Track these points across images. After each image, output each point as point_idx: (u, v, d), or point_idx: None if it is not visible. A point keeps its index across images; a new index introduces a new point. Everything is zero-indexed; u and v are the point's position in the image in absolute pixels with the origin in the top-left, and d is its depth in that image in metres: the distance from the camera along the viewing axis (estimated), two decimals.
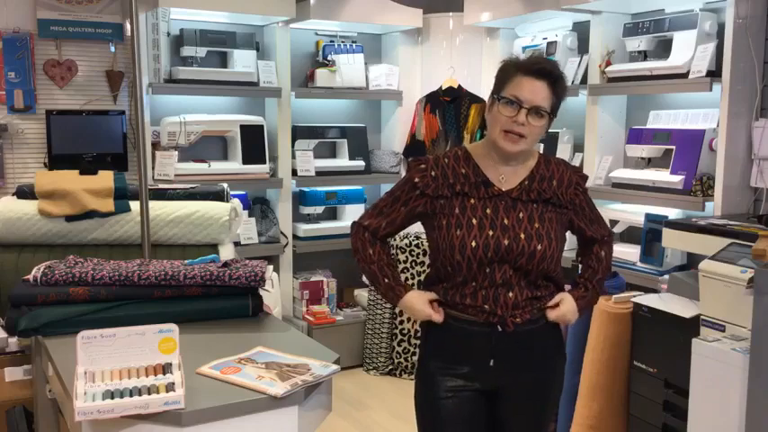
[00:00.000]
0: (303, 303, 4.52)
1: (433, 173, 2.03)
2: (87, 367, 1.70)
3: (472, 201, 1.99)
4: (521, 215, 1.97)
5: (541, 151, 4.12)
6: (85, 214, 2.83)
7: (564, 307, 2.04)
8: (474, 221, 1.96)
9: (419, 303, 2.04)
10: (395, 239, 4.41)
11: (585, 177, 2.15)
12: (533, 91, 1.93)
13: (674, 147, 3.38)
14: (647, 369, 2.90)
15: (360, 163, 4.68)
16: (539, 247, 1.95)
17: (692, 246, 2.93)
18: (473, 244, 1.94)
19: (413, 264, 4.35)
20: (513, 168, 2.02)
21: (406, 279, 4.36)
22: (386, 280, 2.08)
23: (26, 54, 3.88)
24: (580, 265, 2.21)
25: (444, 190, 2.01)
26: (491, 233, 1.94)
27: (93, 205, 2.83)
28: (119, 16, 4.06)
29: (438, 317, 2.02)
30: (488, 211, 1.97)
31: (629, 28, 3.59)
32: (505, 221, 1.96)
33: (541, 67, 1.95)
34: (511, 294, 1.97)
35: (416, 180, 2.04)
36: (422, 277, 4.32)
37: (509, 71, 1.97)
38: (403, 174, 4.73)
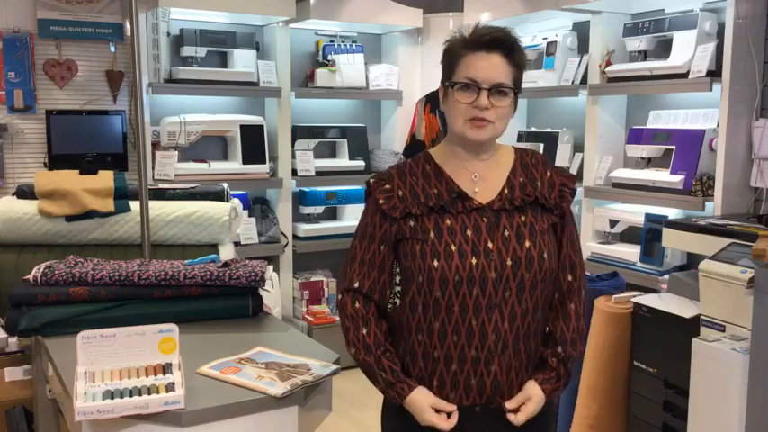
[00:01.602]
0: (303, 303, 4.51)
1: (400, 192, 1.70)
2: (87, 367, 1.70)
3: (448, 222, 1.66)
4: (506, 233, 1.66)
5: (542, 151, 4.14)
6: (85, 214, 2.83)
7: (531, 407, 1.67)
8: (453, 248, 1.63)
9: (425, 405, 1.66)
10: None
11: (572, 178, 1.80)
12: (489, 68, 1.62)
13: (674, 147, 3.38)
14: (647, 369, 2.90)
15: (360, 163, 4.68)
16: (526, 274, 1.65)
17: (692, 246, 2.93)
18: (456, 278, 1.62)
19: None
20: (485, 164, 1.73)
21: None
22: (382, 375, 1.69)
23: (26, 54, 3.88)
24: (548, 327, 1.77)
25: (414, 208, 1.68)
26: (474, 261, 1.62)
27: (93, 205, 2.83)
28: (119, 16, 4.06)
29: (447, 426, 1.65)
30: (468, 233, 1.65)
31: (629, 28, 3.58)
32: (489, 245, 1.64)
33: (492, 37, 1.64)
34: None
35: (381, 203, 1.70)
36: None
37: (456, 51, 1.68)
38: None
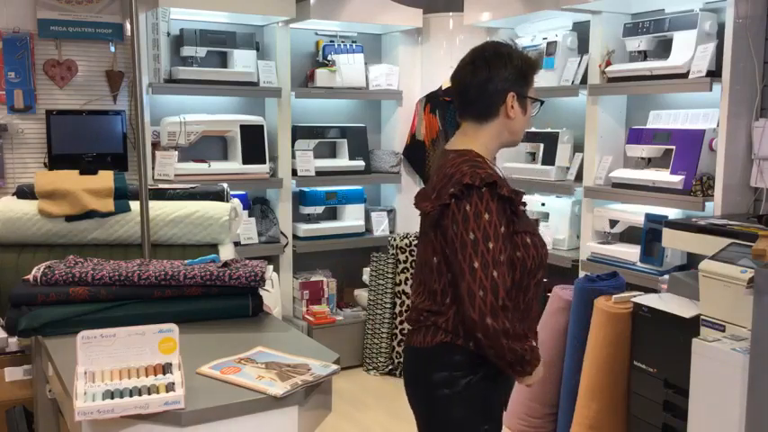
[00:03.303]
0: (303, 303, 4.51)
1: (504, 191, 1.81)
2: (87, 367, 1.71)
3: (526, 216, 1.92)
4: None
5: (542, 151, 4.14)
6: (85, 214, 2.82)
7: None
8: (541, 238, 1.93)
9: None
10: (395, 239, 4.41)
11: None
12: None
13: (674, 147, 3.38)
14: (647, 369, 2.90)
15: (360, 163, 4.68)
16: None
17: (692, 246, 2.93)
18: (544, 262, 1.92)
19: (413, 264, 4.35)
20: None
21: (406, 279, 4.36)
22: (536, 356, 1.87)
23: (26, 54, 3.88)
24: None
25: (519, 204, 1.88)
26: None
27: (93, 205, 2.83)
28: (119, 16, 4.06)
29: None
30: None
31: (629, 28, 3.58)
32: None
33: None
34: None
35: (513, 198, 1.82)
36: None
37: (532, 70, 1.93)
38: (403, 174, 4.75)
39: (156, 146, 4.09)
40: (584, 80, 3.82)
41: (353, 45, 4.65)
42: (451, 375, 1.87)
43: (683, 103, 3.54)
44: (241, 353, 1.98)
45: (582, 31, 3.97)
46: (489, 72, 1.86)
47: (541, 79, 4.08)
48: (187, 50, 4.14)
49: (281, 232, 4.46)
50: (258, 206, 4.50)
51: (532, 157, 4.32)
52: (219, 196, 3.03)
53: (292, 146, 4.46)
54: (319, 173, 4.53)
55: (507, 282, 1.78)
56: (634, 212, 3.57)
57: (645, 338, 2.92)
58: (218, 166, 4.21)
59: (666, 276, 3.13)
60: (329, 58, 4.56)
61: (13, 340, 2.39)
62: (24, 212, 2.80)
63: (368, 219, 4.77)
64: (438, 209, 1.81)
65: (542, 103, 1.97)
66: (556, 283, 3.49)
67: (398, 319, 4.40)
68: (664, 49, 3.51)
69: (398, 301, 4.40)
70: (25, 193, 2.89)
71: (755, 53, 3.14)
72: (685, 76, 3.28)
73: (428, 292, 1.90)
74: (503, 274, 1.76)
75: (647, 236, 3.43)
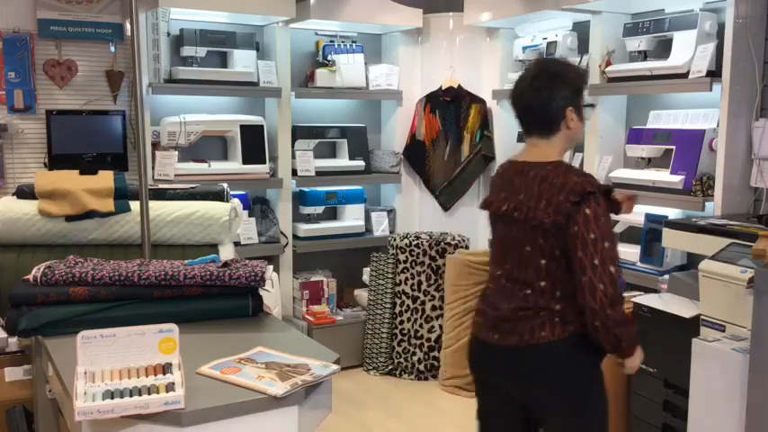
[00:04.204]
0: (303, 303, 4.51)
1: (615, 197, 2.17)
2: (87, 367, 1.71)
3: None
4: None
5: None
6: (85, 214, 2.82)
7: None
8: None
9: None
10: (394, 239, 4.41)
11: None
12: None
13: (674, 147, 3.38)
14: (647, 369, 2.90)
15: (360, 163, 4.68)
16: None
17: (691, 246, 2.93)
18: None
19: (413, 264, 4.35)
20: None
21: (406, 279, 4.36)
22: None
23: (26, 54, 3.88)
24: None
25: None
26: None
27: (93, 205, 2.82)
28: (119, 16, 4.06)
29: None
30: None
31: (629, 28, 3.59)
32: None
33: None
34: None
35: (616, 199, 2.18)
36: (421, 277, 4.33)
37: (582, 85, 2.18)
38: (403, 174, 4.75)
39: (156, 146, 4.09)
40: None
41: (353, 45, 4.65)
42: (590, 360, 2.09)
43: (683, 103, 3.55)
44: (241, 353, 1.98)
45: (582, 31, 3.97)
46: (550, 93, 2.11)
47: None
48: (187, 50, 4.14)
49: (281, 232, 4.46)
50: (258, 206, 4.50)
51: None
52: (219, 196, 3.03)
53: (292, 146, 4.46)
54: (319, 173, 4.53)
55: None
56: (634, 212, 3.55)
57: (645, 338, 2.92)
58: (218, 166, 4.21)
59: (666, 276, 3.13)
60: (329, 58, 4.56)
61: (13, 340, 2.39)
62: (24, 212, 2.80)
63: (368, 219, 4.77)
64: (563, 218, 2.00)
65: (594, 106, 2.27)
66: None
67: (398, 319, 4.40)
68: (664, 49, 3.52)
69: (398, 301, 4.40)
70: (25, 193, 2.89)
71: (755, 53, 3.14)
72: (685, 76, 3.28)
73: (536, 290, 2.08)
74: (617, 270, 1.98)
75: (647, 236, 3.44)
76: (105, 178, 2.93)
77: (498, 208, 2.16)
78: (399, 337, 4.39)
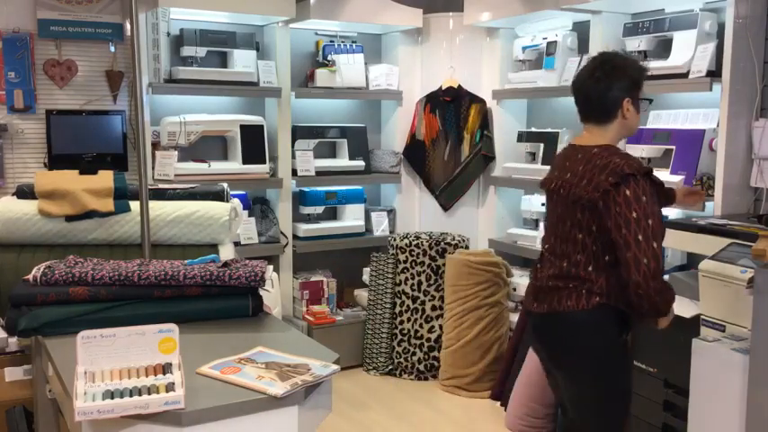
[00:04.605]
0: (303, 303, 4.52)
1: (657, 179, 2.24)
2: (87, 367, 1.70)
3: None
4: None
5: (542, 151, 4.14)
6: (85, 214, 2.82)
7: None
8: None
9: None
10: (395, 239, 4.41)
11: None
12: None
13: (674, 147, 3.38)
14: (647, 369, 2.90)
15: (360, 163, 4.68)
16: None
17: (691, 246, 2.93)
18: None
19: (413, 264, 4.35)
20: None
21: (406, 279, 4.36)
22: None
23: (26, 54, 3.88)
24: None
25: None
26: None
27: (93, 205, 2.82)
28: (119, 16, 4.06)
29: None
30: None
31: (629, 28, 3.58)
32: None
33: None
34: None
35: (657, 180, 2.23)
36: (421, 277, 4.33)
37: (641, 78, 2.30)
38: (403, 174, 4.75)
39: (156, 146, 4.09)
40: None
41: (353, 45, 4.65)
42: (611, 332, 2.25)
43: (683, 103, 3.55)
44: (241, 353, 1.98)
45: (582, 31, 3.97)
46: (608, 84, 2.26)
47: (541, 79, 4.10)
48: (187, 50, 4.14)
49: (281, 232, 4.46)
50: (258, 206, 4.50)
51: (532, 156, 4.33)
52: (219, 196, 3.03)
53: (292, 146, 4.46)
54: (319, 173, 4.53)
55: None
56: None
57: (645, 338, 2.92)
58: (218, 166, 4.21)
59: (667, 276, 3.13)
60: (329, 58, 4.56)
61: (13, 340, 2.39)
62: (24, 212, 2.80)
63: (368, 219, 4.77)
64: (599, 195, 2.14)
65: (651, 101, 2.43)
66: None
67: (398, 319, 4.40)
68: (664, 48, 3.51)
69: (398, 301, 4.40)
70: (25, 193, 2.89)
71: (755, 53, 3.14)
72: (685, 75, 3.28)
73: (571, 262, 2.25)
74: (660, 246, 2.13)
75: None
76: (105, 178, 2.93)
77: (549, 185, 2.37)
78: (399, 337, 4.39)
